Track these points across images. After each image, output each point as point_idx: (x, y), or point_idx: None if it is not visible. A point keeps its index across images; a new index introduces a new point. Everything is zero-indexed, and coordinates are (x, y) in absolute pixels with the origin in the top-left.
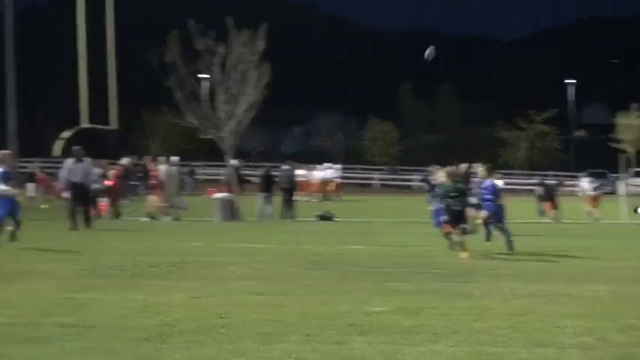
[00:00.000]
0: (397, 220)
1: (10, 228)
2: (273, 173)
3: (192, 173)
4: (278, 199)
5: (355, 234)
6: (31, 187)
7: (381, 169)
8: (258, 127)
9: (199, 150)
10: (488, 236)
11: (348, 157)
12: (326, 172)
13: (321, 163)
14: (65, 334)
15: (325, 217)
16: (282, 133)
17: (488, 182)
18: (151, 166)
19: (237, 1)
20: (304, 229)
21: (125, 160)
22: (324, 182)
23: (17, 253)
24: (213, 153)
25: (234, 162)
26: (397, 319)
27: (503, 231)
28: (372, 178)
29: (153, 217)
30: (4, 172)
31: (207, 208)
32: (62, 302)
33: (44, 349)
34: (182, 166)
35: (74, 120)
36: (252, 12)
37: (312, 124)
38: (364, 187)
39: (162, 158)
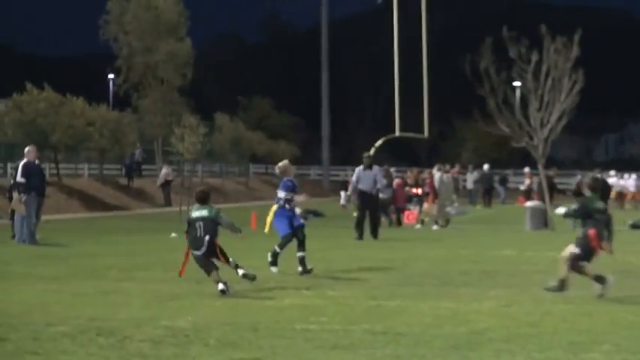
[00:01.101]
0: None
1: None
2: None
3: (504, 181)
4: None
5: None
6: (343, 195)
7: None
8: (570, 134)
9: (511, 158)
10: None
11: None
12: (628, 180)
13: (636, 170)
14: (375, 342)
15: (638, 226)
16: (594, 140)
17: None
18: (425, 174)
19: (551, 8)
20: (616, 238)
21: (436, 169)
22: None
23: (328, 260)
24: (525, 161)
25: (542, 170)
26: None
27: None
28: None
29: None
30: (288, 182)
31: (518, 216)
32: (372, 309)
33: (354, 356)
34: (493, 174)
35: (386, 128)
36: (566, 19)
37: (625, 131)
38: None
39: (437, 166)
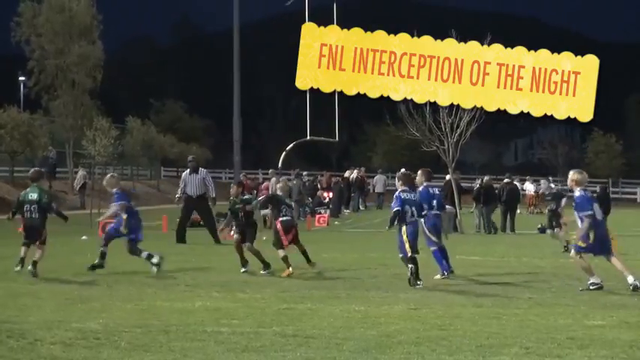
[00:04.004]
0: (623, 233)
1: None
2: (494, 185)
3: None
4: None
5: None
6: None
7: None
8: (480, 139)
9: (422, 162)
10: None
11: (571, 169)
12: (535, 184)
13: (543, 175)
14: (286, 344)
15: (545, 230)
16: (504, 145)
17: None
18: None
19: (460, 12)
20: (525, 242)
21: (348, 172)
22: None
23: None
24: (436, 165)
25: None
26: (618, 333)
27: None
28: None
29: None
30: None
31: None
32: (283, 312)
33: (265, 359)
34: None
35: (298, 132)
36: (476, 24)
37: (535, 136)
38: None
39: (273, 171)
